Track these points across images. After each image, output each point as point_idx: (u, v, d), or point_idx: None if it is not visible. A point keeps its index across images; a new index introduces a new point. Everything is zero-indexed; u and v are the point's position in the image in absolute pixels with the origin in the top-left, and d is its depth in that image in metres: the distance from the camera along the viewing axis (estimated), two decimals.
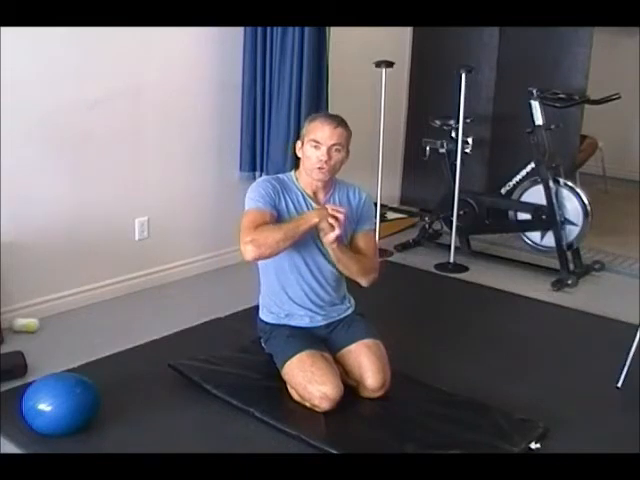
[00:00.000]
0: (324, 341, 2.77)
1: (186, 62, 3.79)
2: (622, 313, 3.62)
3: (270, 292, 2.82)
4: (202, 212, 4.04)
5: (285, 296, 2.79)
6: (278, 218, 2.67)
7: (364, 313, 2.90)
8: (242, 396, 2.66)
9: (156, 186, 3.78)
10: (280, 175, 2.82)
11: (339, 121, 2.70)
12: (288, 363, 2.66)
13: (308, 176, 2.72)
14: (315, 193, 2.76)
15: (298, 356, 2.63)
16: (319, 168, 2.66)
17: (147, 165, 3.72)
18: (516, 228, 4.59)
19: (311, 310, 2.80)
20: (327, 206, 2.65)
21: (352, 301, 2.93)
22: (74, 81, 3.32)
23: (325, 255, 2.76)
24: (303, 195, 2.74)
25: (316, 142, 2.65)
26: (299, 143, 2.75)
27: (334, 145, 2.65)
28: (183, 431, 2.53)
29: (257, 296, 2.90)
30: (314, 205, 2.74)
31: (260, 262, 2.77)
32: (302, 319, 2.79)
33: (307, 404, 2.62)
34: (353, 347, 2.74)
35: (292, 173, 2.80)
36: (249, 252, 2.54)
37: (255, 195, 2.69)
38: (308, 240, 2.71)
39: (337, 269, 2.79)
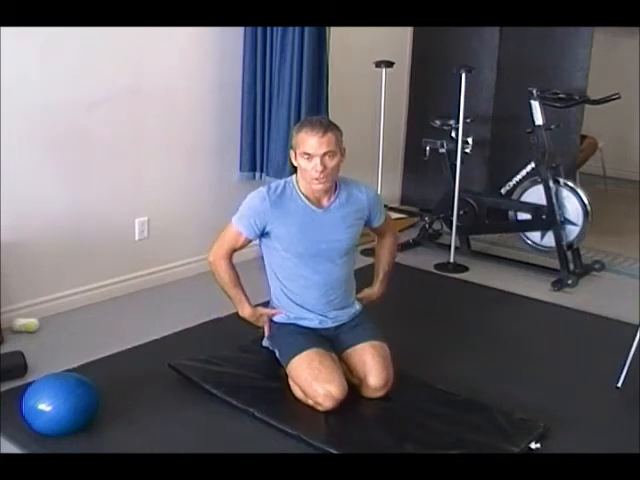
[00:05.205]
0: (330, 341, 2.77)
1: (186, 62, 3.79)
2: (622, 313, 3.62)
3: (279, 297, 2.82)
4: (202, 212, 4.04)
5: (295, 303, 2.79)
6: (279, 235, 2.70)
7: (365, 312, 2.90)
8: (242, 396, 2.66)
9: (156, 186, 3.78)
10: (282, 183, 2.76)
11: (325, 126, 2.62)
12: (296, 359, 2.65)
13: (309, 185, 2.70)
14: (318, 199, 2.74)
15: (306, 353, 2.63)
16: (316, 179, 2.63)
17: (147, 165, 3.72)
18: (516, 228, 4.59)
19: (321, 314, 2.80)
20: (261, 314, 2.83)
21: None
22: (74, 81, 3.32)
23: (335, 262, 2.76)
24: (305, 203, 2.72)
25: (307, 154, 2.60)
26: (292, 153, 2.71)
27: (326, 153, 2.59)
28: (183, 431, 2.52)
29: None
30: (317, 212, 2.72)
31: (268, 270, 2.84)
32: (311, 322, 2.79)
33: (309, 402, 2.62)
34: (359, 347, 2.74)
35: (293, 178, 2.76)
36: (208, 263, 2.86)
37: (245, 220, 2.72)
38: (317, 251, 2.72)
39: (347, 274, 2.82)
